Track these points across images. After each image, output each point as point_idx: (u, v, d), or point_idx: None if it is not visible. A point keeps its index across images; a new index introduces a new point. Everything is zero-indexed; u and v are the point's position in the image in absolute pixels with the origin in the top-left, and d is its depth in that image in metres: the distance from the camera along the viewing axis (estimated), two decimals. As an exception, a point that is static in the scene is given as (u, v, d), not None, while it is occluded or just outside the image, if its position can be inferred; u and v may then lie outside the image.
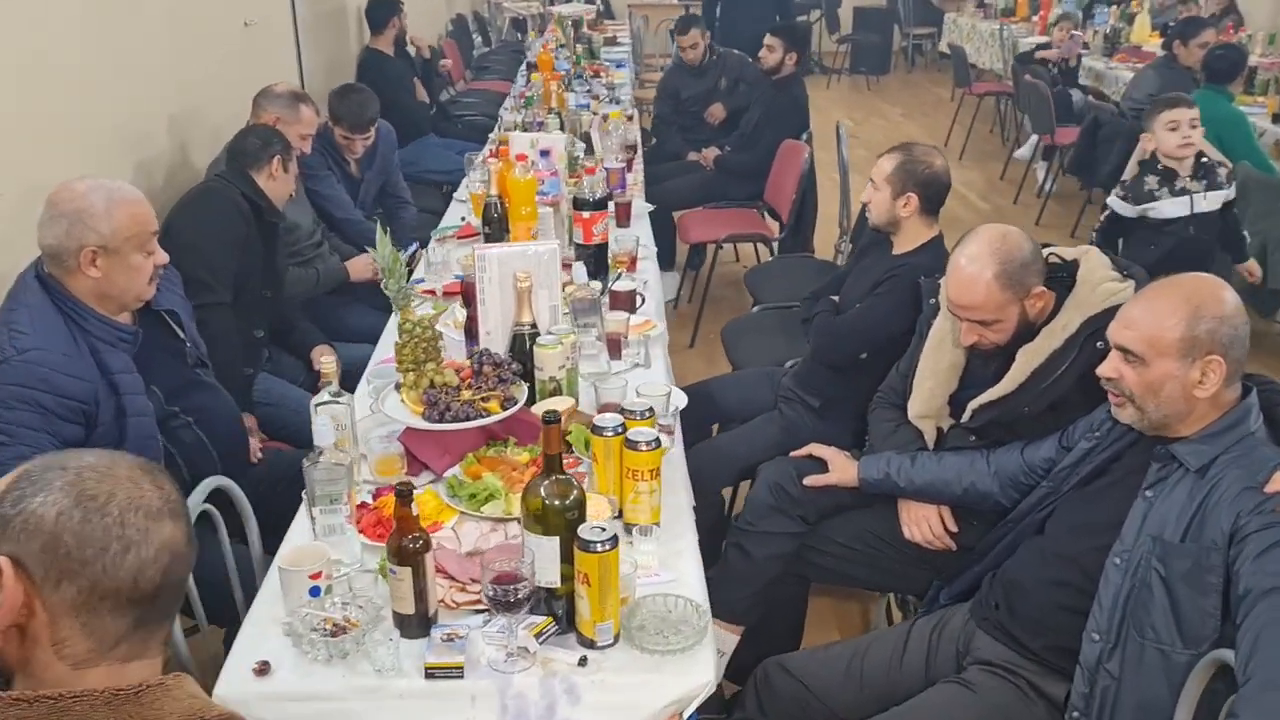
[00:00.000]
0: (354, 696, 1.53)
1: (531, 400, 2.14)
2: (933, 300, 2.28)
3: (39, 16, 2.71)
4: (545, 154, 3.53)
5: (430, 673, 1.53)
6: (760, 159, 4.89)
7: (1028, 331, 2.05)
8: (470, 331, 2.41)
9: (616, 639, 1.59)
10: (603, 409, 2.05)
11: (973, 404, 2.12)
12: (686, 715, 1.58)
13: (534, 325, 2.24)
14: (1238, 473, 1.60)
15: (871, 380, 2.50)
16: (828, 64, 11.50)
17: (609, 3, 10.83)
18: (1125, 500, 1.72)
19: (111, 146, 3.09)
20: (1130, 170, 3.92)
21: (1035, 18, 8.85)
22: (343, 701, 1.53)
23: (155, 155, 3.40)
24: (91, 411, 1.96)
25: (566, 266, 2.74)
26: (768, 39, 5.05)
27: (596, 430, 1.85)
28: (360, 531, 1.83)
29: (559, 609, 1.61)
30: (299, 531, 1.90)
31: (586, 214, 2.90)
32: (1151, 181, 3.72)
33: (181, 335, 2.28)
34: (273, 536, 1.95)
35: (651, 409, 1.93)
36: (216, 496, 1.96)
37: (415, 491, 1.61)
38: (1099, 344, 1.88)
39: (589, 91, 5.39)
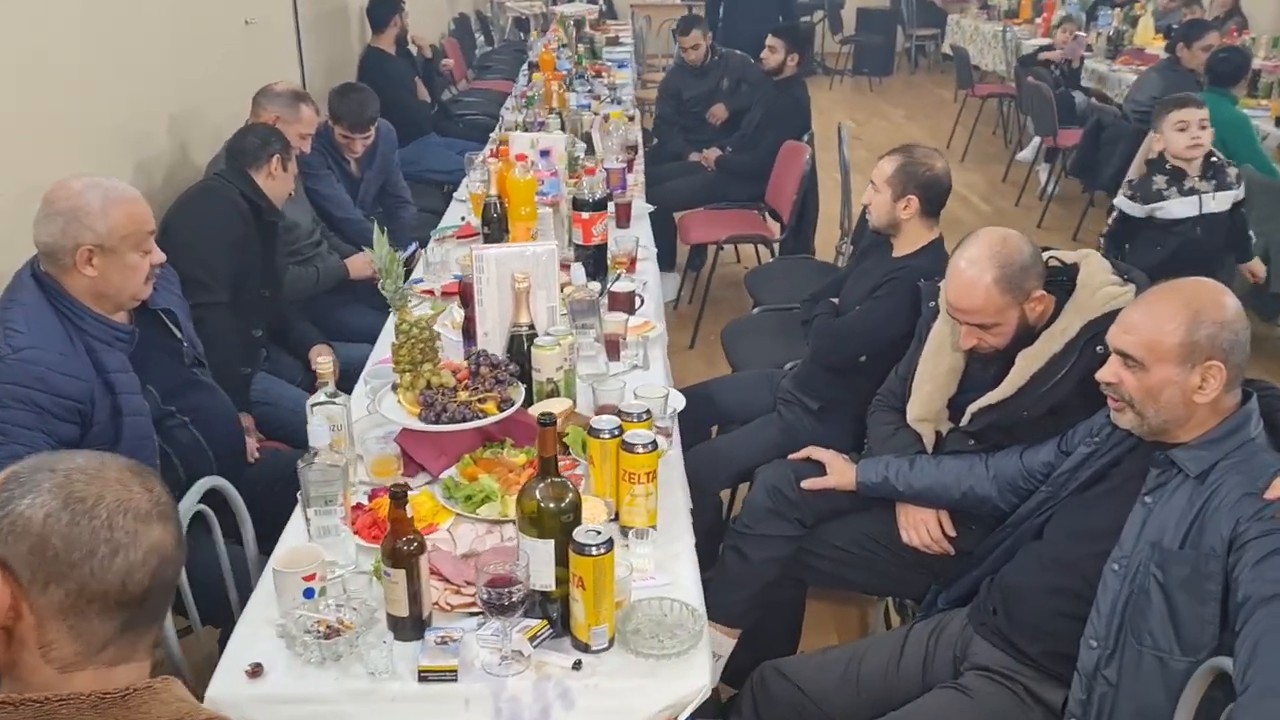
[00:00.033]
0: (347, 699, 1.53)
1: (529, 402, 2.13)
2: (932, 303, 2.27)
3: (39, 16, 2.71)
4: (545, 154, 3.52)
5: (424, 676, 1.53)
6: (761, 160, 4.88)
7: (1027, 335, 2.04)
8: (468, 332, 2.40)
9: (611, 643, 1.59)
10: (600, 411, 2.04)
11: (972, 408, 2.12)
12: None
13: (532, 326, 2.24)
14: (1237, 479, 1.59)
15: (870, 383, 2.49)
16: (830, 65, 11.51)
17: (611, 3, 10.82)
18: (1124, 506, 1.71)
19: (111, 146, 3.08)
20: (1137, 170, 3.89)
21: (1038, 20, 8.85)
22: (335, 704, 1.53)
23: (155, 155, 3.39)
24: (87, 411, 1.95)
25: (565, 267, 2.73)
26: (770, 40, 5.04)
27: (593, 432, 1.85)
28: (355, 533, 1.82)
29: (554, 612, 1.60)
30: (294, 533, 1.90)
31: (586, 215, 2.89)
32: (1160, 181, 3.69)
33: (178, 335, 2.28)
34: (269, 537, 1.94)
35: (649, 411, 1.92)
36: (212, 496, 1.95)
37: (411, 493, 1.60)
38: (1099, 348, 1.87)
39: (590, 91, 5.38)
